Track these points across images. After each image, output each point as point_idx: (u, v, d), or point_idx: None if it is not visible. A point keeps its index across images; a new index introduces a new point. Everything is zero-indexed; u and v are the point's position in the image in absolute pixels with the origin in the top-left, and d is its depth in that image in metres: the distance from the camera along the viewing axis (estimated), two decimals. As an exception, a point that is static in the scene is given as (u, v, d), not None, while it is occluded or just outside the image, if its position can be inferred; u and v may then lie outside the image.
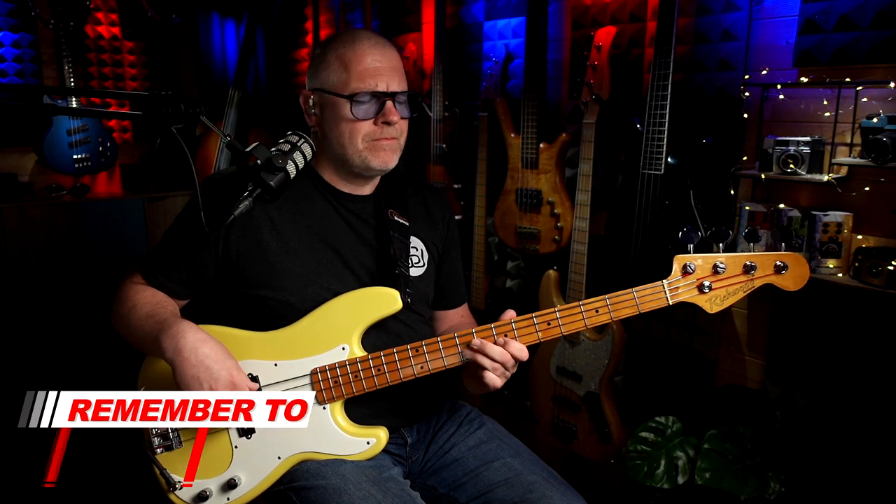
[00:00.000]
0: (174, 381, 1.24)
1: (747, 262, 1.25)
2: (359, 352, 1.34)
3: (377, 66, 1.37)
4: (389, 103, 1.38)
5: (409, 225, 1.50)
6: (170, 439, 1.34)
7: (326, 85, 1.39)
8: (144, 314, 1.36)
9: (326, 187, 1.46)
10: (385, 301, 1.36)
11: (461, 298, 1.66)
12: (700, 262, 1.26)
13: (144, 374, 1.41)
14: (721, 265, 1.25)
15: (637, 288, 1.27)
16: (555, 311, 1.28)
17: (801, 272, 1.26)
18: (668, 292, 1.26)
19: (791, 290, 1.26)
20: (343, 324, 1.35)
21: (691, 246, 1.29)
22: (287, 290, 1.38)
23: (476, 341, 1.27)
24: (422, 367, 1.32)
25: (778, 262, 1.25)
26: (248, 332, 1.37)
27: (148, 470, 1.37)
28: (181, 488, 1.34)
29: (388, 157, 1.41)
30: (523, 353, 1.27)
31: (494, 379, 1.27)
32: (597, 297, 1.28)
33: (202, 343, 1.25)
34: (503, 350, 1.26)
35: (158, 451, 1.34)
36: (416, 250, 1.51)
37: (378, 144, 1.39)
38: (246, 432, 1.34)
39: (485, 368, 1.26)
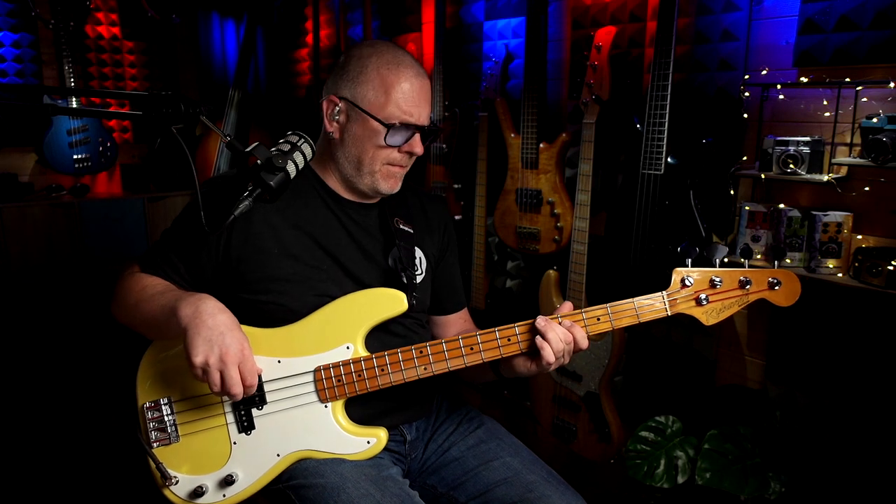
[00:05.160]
0: (184, 344, 1.21)
1: (742, 278, 1.30)
2: (363, 352, 1.35)
3: (415, 98, 1.40)
4: (418, 136, 1.41)
5: (413, 232, 1.51)
6: (167, 433, 1.34)
7: (361, 101, 1.39)
8: (158, 291, 1.36)
9: (329, 193, 1.47)
10: (391, 302, 1.36)
11: (461, 303, 1.67)
12: (697, 275, 1.30)
13: (143, 374, 1.40)
14: (717, 279, 1.29)
15: (637, 298, 1.30)
16: (558, 318, 1.29)
17: (793, 288, 1.31)
18: (667, 303, 1.30)
19: (783, 305, 1.31)
20: (348, 323, 1.35)
21: (689, 260, 1.32)
22: (288, 295, 1.38)
23: (541, 320, 1.28)
24: (425, 369, 1.32)
25: (771, 279, 1.30)
26: (253, 327, 1.36)
27: (142, 465, 1.36)
28: (176, 483, 1.33)
29: (395, 183, 1.45)
30: (584, 342, 1.29)
31: (550, 356, 1.26)
32: (598, 306, 1.30)
33: (221, 311, 1.25)
34: (567, 332, 1.27)
35: (155, 444, 1.34)
36: (416, 258, 1.52)
37: (391, 170, 1.43)
38: (245, 428, 1.34)
39: (548, 347, 1.26)
